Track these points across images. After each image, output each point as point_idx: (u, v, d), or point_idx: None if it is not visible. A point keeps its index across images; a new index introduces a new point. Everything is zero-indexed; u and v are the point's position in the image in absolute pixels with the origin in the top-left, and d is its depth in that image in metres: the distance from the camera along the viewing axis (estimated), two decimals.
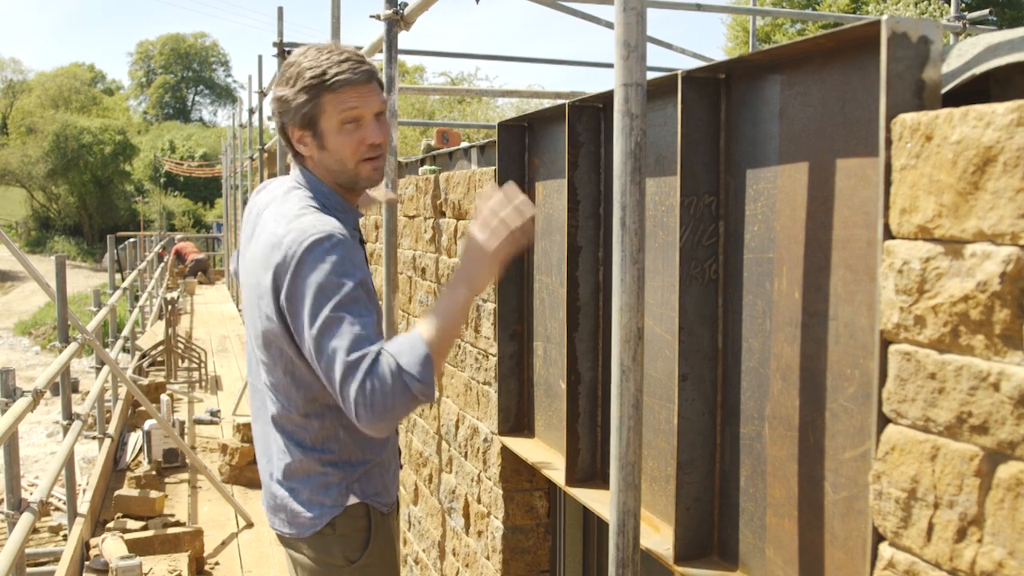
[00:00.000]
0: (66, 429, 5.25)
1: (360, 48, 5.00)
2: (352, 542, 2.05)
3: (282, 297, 1.85)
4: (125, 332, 10.23)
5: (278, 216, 1.94)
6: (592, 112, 2.54)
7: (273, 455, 2.07)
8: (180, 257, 23.44)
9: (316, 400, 1.98)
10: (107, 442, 6.90)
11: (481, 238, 1.85)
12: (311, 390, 1.96)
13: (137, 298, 14.35)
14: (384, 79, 3.95)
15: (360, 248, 1.97)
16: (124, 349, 10.78)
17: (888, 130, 1.36)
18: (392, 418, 1.74)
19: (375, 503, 2.07)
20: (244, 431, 7.23)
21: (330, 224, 1.87)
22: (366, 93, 1.93)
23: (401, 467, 2.30)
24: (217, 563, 5.70)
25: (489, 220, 1.85)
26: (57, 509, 7.52)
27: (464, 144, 4.92)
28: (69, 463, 5.19)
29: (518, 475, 3.30)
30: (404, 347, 1.75)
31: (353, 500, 2.03)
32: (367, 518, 2.05)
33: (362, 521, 2.05)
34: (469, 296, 1.85)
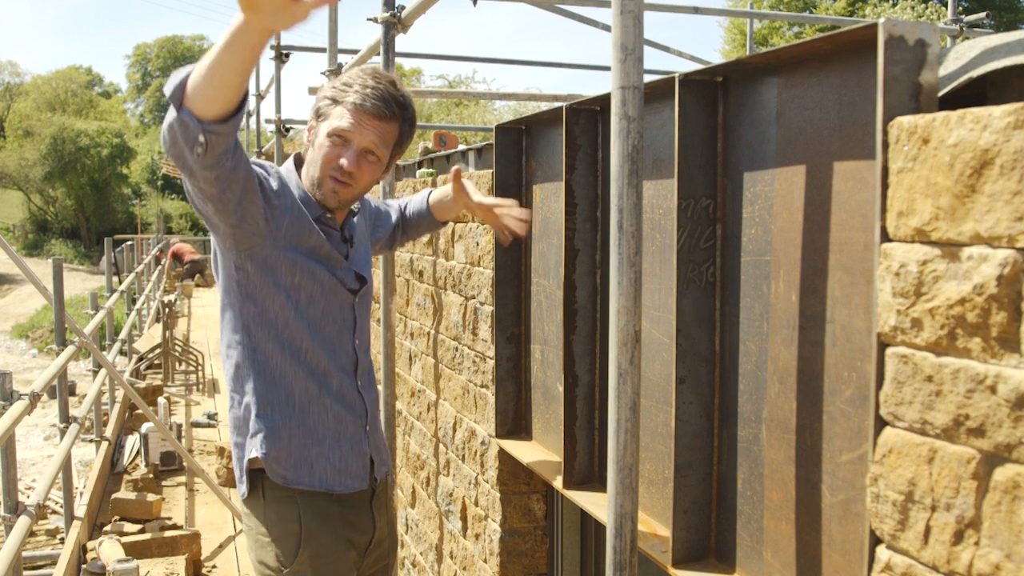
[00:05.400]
0: (63, 432, 5.24)
1: (358, 51, 5.00)
2: (283, 547, 2.05)
3: None
4: (122, 335, 10.22)
5: None
6: (589, 115, 2.54)
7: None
8: (178, 259, 23.40)
9: (234, 330, 2.09)
10: (104, 445, 6.89)
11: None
12: (231, 313, 2.08)
13: (135, 301, 14.33)
14: None
15: (304, 218, 2.04)
16: (121, 352, 10.77)
17: (885, 133, 1.36)
18: (173, 146, 1.72)
19: (270, 464, 2.04)
20: None
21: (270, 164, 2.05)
22: (367, 124, 2.00)
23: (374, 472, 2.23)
24: (215, 566, 5.69)
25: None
26: (54, 512, 7.50)
27: (462, 147, 4.92)
28: (66, 466, 5.18)
29: (516, 478, 3.30)
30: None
31: (252, 453, 2.06)
32: (298, 534, 2.05)
33: (293, 531, 2.05)
34: (241, 29, 1.59)
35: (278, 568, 2.04)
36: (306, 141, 2.11)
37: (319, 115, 2.05)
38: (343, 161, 2.00)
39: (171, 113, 1.69)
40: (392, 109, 2.02)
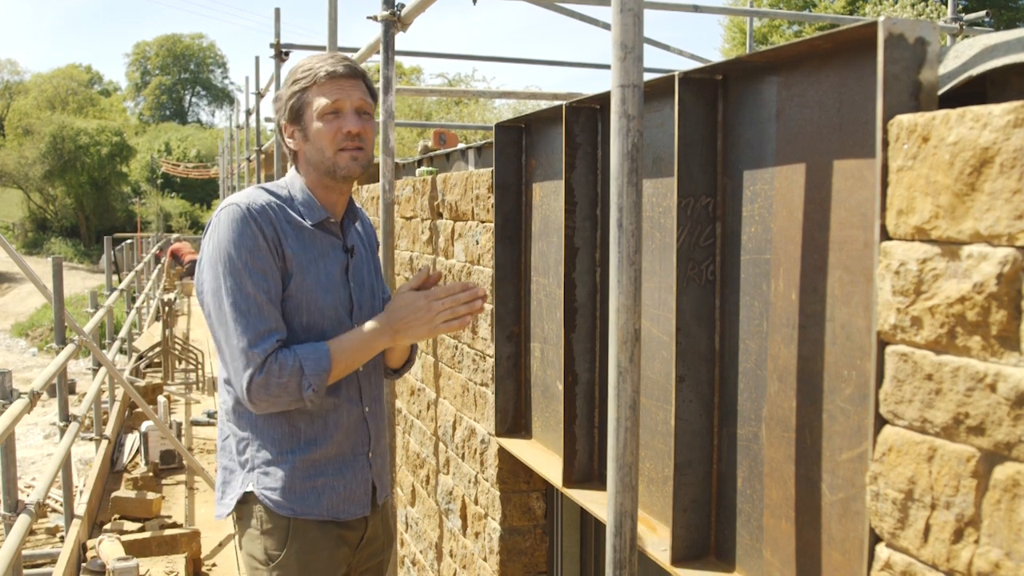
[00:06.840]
0: (63, 431, 5.24)
1: (357, 50, 5.01)
2: (271, 540, 2.05)
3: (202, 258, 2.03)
4: (122, 333, 10.21)
5: None
6: (589, 113, 2.54)
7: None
8: (177, 258, 23.42)
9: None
10: (104, 444, 6.89)
11: (424, 316, 2.01)
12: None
13: (134, 299, 14.33)
14: (381, 80, 3.95)
15: (301, 232, 2.04)
16: (121, 351, 10.77)
17: (885, 131, 1.36)
18: (275, 406, 1.96)
19: (268, 499, 2.02)
20: None
21: (245, 195, 2.01)
22: (348, 86, 2.03)
23: (377, 501, 2.21)
24: (214, 564, 5.69)
25: (432, 306, 2.02)
26: (54, 511, 7.50)
27: (461, 145, 4.93)
28: (66, 465, 5.18)
29: (515, 476, 3.30)
30: (310, 354, 1.94)
31: (249, 487, 2.04)
32: (286, 528, 2.04)
33: (282, 525, 2.04)
34: (384, 343, 2.05)
35: (266, 560, 2.04)
36: (293, 146, 2.08)
37: (295, 114, 2.04)
38: (348, 127, 2.00)
39: (303, 390, 1.93)
40: (356, 68, 2.07)
